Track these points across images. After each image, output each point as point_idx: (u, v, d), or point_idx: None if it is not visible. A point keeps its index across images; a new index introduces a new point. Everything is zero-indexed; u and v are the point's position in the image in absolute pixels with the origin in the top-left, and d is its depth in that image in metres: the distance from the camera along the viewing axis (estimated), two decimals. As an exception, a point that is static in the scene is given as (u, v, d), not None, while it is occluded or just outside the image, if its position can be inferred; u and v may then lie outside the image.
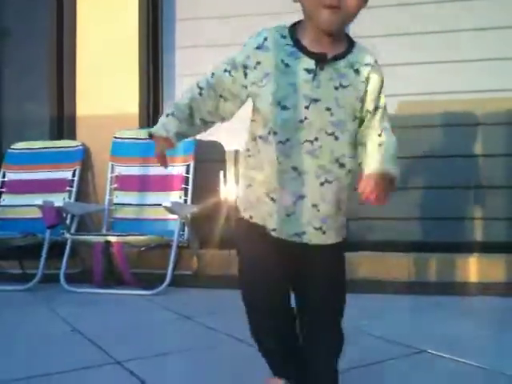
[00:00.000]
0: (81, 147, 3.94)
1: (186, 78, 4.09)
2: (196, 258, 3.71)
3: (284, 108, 1.30)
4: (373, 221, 3.75)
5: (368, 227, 3.77)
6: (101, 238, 3.28)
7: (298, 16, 1.38)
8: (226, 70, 1.38)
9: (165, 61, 4.12)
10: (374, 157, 1.30)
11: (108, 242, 3.25)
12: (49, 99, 4.15)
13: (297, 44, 1.33)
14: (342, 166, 1.33)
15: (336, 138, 1.31)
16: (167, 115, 1.42)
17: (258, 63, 1.33)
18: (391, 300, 2.99)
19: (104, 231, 3.63)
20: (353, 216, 3.72)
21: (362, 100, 1.33)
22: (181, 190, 3.65)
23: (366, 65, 1.34)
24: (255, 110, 1.37)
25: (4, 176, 3.96)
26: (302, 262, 1.36)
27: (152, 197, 3.69)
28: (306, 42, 1.34)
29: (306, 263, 1.37)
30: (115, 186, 3.78)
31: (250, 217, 1.38)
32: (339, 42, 1.35)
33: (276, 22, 1.43)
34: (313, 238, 1.34)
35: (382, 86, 1.36)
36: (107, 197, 3.75)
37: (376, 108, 1.35)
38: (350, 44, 1.36)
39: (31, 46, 4.38)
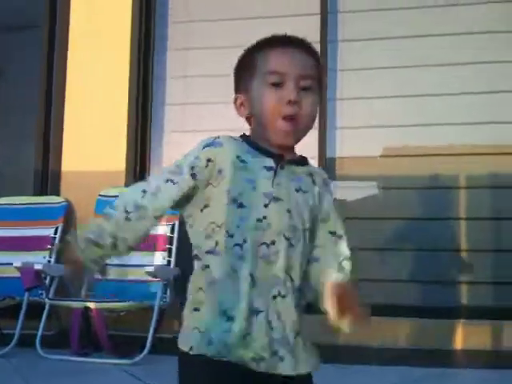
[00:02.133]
0: (64, 203, 3.87)
1: (174, 134, 4.08)
2: (178, 321, 3.61)
3: (241, 206, 1.16)
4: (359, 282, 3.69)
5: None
6: (80, 304, 3.19)
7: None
8: (168, 181, 1.20)
9: (153, 117, 4.10)
10: (337, 273, 1.21)
11: (87, 308, 3.16)
12: (34, 153, 4.11)
13: (253, 144, 1.23)
14: (292, 280, 1.18)
15: (291, 245, 1.18)
16: (87, 239, 1.19)
17: (209, 160, 1.19)
18: (375, 373, 2.89)
19: (83, 292, 3.53)
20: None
21: (317, 213, 1.25)
22: (164, 250, 3.57)
23: (323, 179, 1.28)
24: (202, 217, 1.21)
25: (-16, 232, 3.88)
26: None
27: (135, 257, 3.59)
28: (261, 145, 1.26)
29: None
30: (98, 245, 3.69)
31: (190, 348, 1.16)
32: (292, 152, 1.27)
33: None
34: (272, 366, 1.14)
35: (335, 210, 1.28)
36: (89, 256, 3.66)
37: (335, 233, 1.26)
38: (304, 158, 1.30)
39: (19, 96, 4.37)
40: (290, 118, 1.19)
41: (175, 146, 4.06)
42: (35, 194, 4.04)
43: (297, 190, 1.21)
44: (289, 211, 1.18)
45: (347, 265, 1.25)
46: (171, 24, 4.19)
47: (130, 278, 3.56)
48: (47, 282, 3.45)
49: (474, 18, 3.69)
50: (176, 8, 4.16)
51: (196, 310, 1.19)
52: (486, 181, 3.64)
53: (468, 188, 3.67)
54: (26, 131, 4.27)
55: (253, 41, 1.31)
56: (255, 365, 1.13)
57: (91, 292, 3.56)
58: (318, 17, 3.81)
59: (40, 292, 3.41)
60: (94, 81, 4.03)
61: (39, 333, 3.24)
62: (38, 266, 3.25)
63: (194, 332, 1.17)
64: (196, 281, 1.21)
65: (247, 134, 1.29)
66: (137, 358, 3.03)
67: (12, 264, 3.32)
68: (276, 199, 1.18)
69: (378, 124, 3.74)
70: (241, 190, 1.17)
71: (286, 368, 1.15)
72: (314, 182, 1.26)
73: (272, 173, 1.19)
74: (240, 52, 1.30)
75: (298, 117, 1.19)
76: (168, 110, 4.12)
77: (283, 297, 1.16)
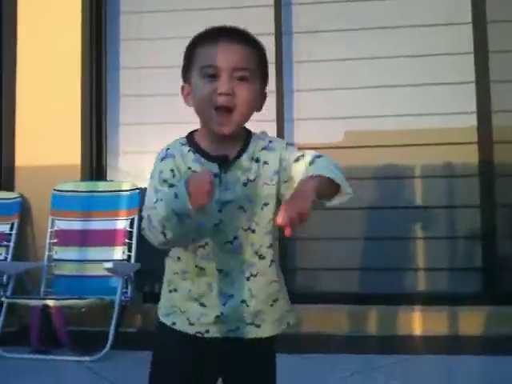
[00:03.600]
0: (19, 199, 3.80)
1: (130, 127, 4.03)
2: (140, 314, 3.61)
3: None
4: (316, 271, 3.76)
5: (312, 278, 3.77)
6: (38, 302, 3.15)
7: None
8: (156, 200, 1.27)
9: (108, 109, 4.04)
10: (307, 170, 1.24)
11: (47, 305, 3.12)
12: (-14, 148, 4.01)
13: (196, 148, 1.32)
14: (262, 257, 1.32)
15: (253, 231, 1.30)
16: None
17: (172, 170, 1.30)
18: (332, 361, 2.95)
19: (42, 289, 3.49)
20: (295, 266, 3.76)
21: (271, 181, 1.31)
22: (124, 244, 3.55)
23: (262, 149, 1.33)
24: None
25: None
26: (233, 361, 1.33)
27: (94, 252, 3.58)
28: (204, 144, 1.32)
29: (236, 362, 1.33)
30: (55, 240, 3.65)
31: (173, 323, 1.33)
32: (237, 138, 1.33)
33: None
34: (246, 332, 1.31)
35: (285, 149, 1.32)
36: (46, 252, 3.61)
37: (297, 159, 1.30)
38: (247, 135, 1.35)
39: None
40: (224, 109, 1.26)
41: (131, 139, 4.03)
42: (-12, 190, 3.94)
43: (245, 184, 1.29)
44: (241, 207, 1.28)
45: (311, 157, 1.28)
46: (123, 14, 4.12)
47: (90, 273, 3.53)
48: (4, 279, 3.39)
49: (419, 13, 3.76)
50: (128, -2, 4.11)
51: (173, 291, 1.34)
52: (440, 170, 3.73)
53: (423, 177, 3.76)
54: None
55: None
56: (232, 333, 1.30)
57: (50, 289, 3.52)
58: (272, 8, 3.81)
59: (-3, 289, 3.37)
60: (45, 72, 3.94)
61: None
62: (-7, 265, 3.19)
63: (174, 310, 1.33)
64: (171, 266, 1.35)
65: (195, 129, 1.36)
66: (98, 355, 3.02)
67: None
68: (227, 202, 1.27)
69: (334, 115, 3.79)
70: None
71: (259, 332, 1.32)
72: (257, 161, 1.31)
73: (217, 180, 1.26)
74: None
75: (233, 106, 1.26)
76: (123, 102, 4.07)
77: (255, 276, 1.30)
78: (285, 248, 3.67)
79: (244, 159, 1.30)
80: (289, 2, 3.87)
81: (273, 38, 3.78)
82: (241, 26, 1.35)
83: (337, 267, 3.70)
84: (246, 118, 1.30)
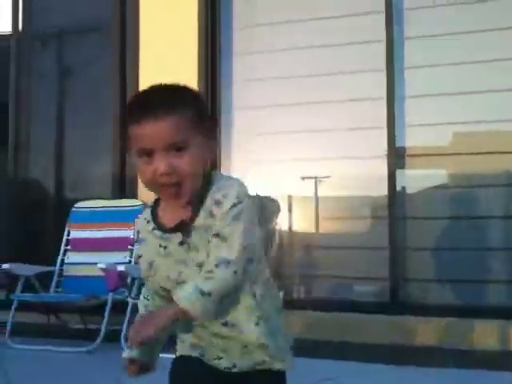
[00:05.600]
0: (142, 206, 4.04)
1: (241, 110, 4.15)
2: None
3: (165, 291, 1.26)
4: (429, 283, 3.69)
5: (425, 290, 3.71)
6: (160, 304, 3.34)
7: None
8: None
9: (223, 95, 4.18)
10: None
11: (167, 306, 3.30)
12: (112, 159, 4.32)
13: (157, 223, 1.27)
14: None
15: None
16: None
17: (140, 256, 1.30)
18: (449, 376, 2.87)
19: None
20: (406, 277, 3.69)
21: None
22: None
23: (215, 204, 1.21)
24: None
25: (69, 234, 4.12)
26: None
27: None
28: (164, 212, 1.28)
29: None
30: (174, 245, 3.84)
31: None
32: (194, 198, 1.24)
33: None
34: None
35: (227, 213, 1.19)
36: (167, 256, 3.81)
37: (218, 235, 1.19)
38: (208, 183, 1.24)
39: (90, 96, 4.60)
40: (170, 185, 1.20)
41: (241, 124, 4.17)
42: (114, 198, 4.24)
43: (209, 241, 1.20)
44: (199, 265, 1.21)
45: (218, 272, 1.16)
46: (235, 30, 4.26)
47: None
48: (129, 281, 3.63)
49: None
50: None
51: None
52: None
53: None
54: (103, 135, 4.47)
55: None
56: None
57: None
58: (383, 15, 3.80)
59: (123, 290, 3.60)
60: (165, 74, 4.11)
61: (123, 331, 3.41)
62: (120, 268, 3.42)
63: None
64: None
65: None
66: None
67: (95, 264, 3.53)
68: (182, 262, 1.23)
69: (446, 121, 3.71)
70: (173, 274, 1.24)
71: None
72: (212, 216, 1.21)
73: (187, 246, 1.22)
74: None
75: (178, 181, 1.20)
76: (236, 87, 4.18)
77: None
78: (396, 258, 3.66)
79: (202, 217, 1.21)
80: (400, 8, 3.83)
81: (384, 47, 3.77)
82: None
83: (455, 279, 3.62)
84: (198, 179, 1.22)
